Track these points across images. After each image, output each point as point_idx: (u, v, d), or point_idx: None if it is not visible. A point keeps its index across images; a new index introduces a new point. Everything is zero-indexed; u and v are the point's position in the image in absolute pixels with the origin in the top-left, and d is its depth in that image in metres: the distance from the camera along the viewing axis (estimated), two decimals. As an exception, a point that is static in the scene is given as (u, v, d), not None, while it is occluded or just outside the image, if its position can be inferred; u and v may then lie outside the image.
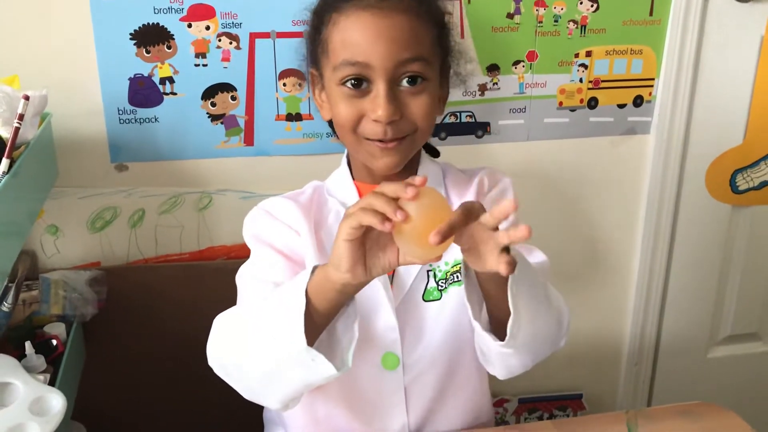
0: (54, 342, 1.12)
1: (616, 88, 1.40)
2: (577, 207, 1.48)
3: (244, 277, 0.92)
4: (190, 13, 1.20)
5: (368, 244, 0.70)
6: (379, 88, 0.84)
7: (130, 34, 1.19)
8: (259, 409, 1.00)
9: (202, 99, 1.24)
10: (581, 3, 1.32)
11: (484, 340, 0.80)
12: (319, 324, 0.74)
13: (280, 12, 1.21)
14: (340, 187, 0.96)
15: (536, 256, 0.93)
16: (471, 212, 0.67)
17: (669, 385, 1.66)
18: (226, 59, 1.23)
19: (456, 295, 0.92)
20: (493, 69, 1.34)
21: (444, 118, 1.35)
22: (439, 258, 0.70)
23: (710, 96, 1.44)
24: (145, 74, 1.21)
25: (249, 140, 1.29)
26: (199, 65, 1.22)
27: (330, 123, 0.94)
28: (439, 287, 0.93)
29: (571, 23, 1.33)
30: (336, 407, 0.94)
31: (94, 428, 1.26)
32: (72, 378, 1.13)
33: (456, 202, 0.96)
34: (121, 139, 1.24)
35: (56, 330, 1.14)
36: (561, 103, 1.39)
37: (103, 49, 1.19)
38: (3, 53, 1.15)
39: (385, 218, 0.65)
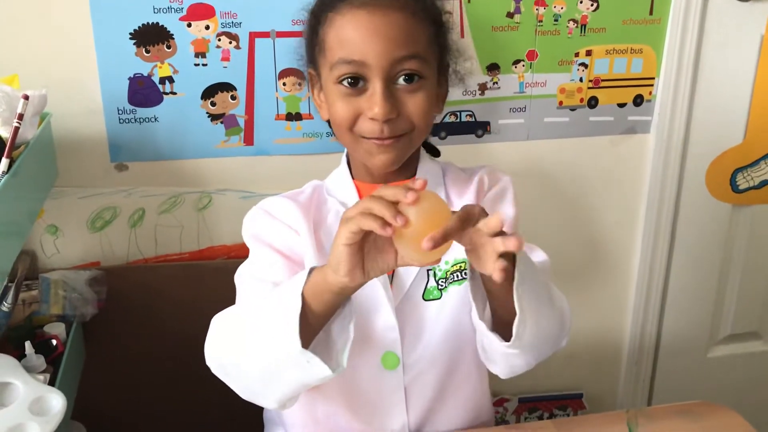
0: (54, 342, 1.12)
1: (616, 88, 1.40)
2: (577, 206, 1.48)
3: (243, 276, 0.92)
4: (190, 12, 1.19)
5: (366, 248, 0.70)
6: (376, 86, 0.84)
7: (130, 33, 1.19)
8: (259, 409, 1.00)
9: (201, 98, 1.24)
10: (581, 2, 1.32)
11: (489, 340, 0.80)
12: (315, 325, 0.74)
13: (279, 11, 1.21)
14: (340, 187, 0.96)
15: (537, 255, 0.93)
16: (469, 218, 0.67)
17: (669, 385, 1.66)
18: (225, 59, 1.23)
19: (456, 294, 0.92)
20: (493, 68, 1.34)
21: (444, 117, 1.35)
22: (437, 261, 0.70)
23: (710, 95, 1.44)
24: (145, 74, 1.21)
25: (249, 140, 1.29)
26: (198, 65, 1.22)
27: (329, 123, 0.94)
28: (439, 286, 0.93)
29: (571, 22, 1.33)
30: (336, 407, 0.94)
31: (94, 428, 1.26)
32: (72, 378, 1.13)
33: (456, 201, 0.96)
34: (120, 139, 1.24)
35: (56, 330, 1.14)
36: (561, 103, 1.39)
37: (102, 49, 1.19)
38: (2, 53, 1.15)
39: (385, 223, 0.65)
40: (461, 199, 0.96)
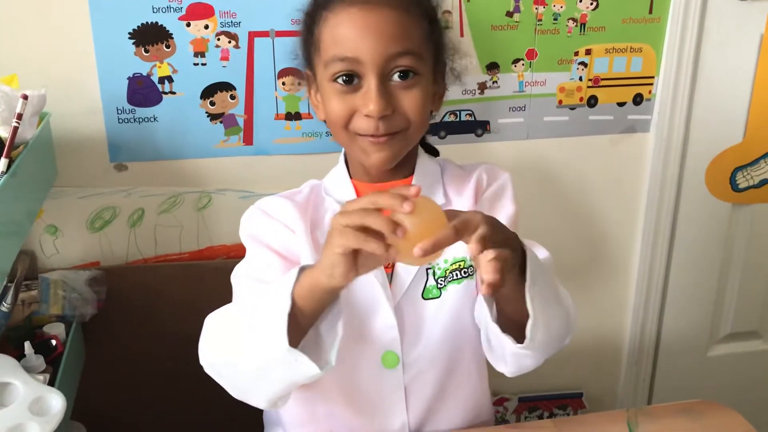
0: (53, 342, 1.12)
1: (615, 86, 1.40)
2: (576, 205, 1.48)
3: (239, 276, 0.92)
4: (189, 12, 1.19)
5: (360, 251, 0.70)
6: (370, 83, 0.84)
7: (129, 33, 1.19)
8: (259, 409, 0.99)
9: (201, 98, 1.24)
10: (581, 1, 1.32)
11: (501, 341, 0.80)
12: (304, 324, 0.74)
13: (278, 11, 1.21)
14: (338, 186, 0.96)
15: (540, 253, 0.93)
16: (466, 228, 0.66)
17: (669, 384, 1.66)
18: (225, 58, 1.23)
19: (455, 292, 0.92)
20: (492, 67, 1.34)
21: (443, 116, 1.34)
22: (434, 260, 0.70)
23: (710, 94, 1.44)
24: (144, 73, 1.21)
25: (248, 139, 1.28)
26: (198, 64, 1.22)
27: (326, 123, 0.94)
28: (439, 285, 0.92)
29: (571, 21, 1.33)
30: (336, 406, 0.94)
31: (94, 428, 1.26)
32: (71, 378, 1.13)
33: (454, 199, 0.96)
34: (120, 139, 1.24)
35: (55, 330, 1.14)
36: (561, 102, 1.39)
37: (101, 49, 1.18)
38: (2, 52, 1.15)
39: (386, 245, 0.65)
40: (460, 197, 0.96)
